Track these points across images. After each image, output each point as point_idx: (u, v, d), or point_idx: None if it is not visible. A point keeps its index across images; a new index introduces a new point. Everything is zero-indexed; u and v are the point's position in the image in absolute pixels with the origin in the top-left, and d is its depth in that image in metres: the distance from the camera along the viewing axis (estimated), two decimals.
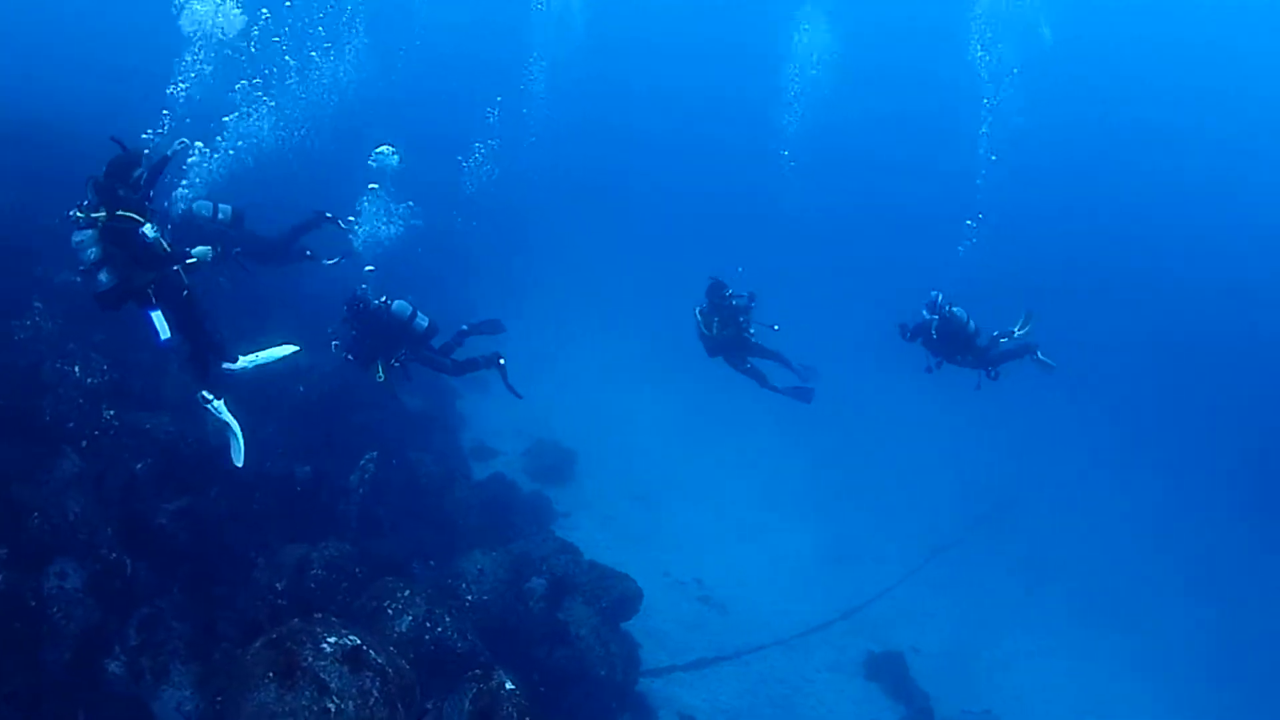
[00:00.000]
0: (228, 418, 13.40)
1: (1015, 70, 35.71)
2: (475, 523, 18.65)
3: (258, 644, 10.16)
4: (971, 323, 16.98)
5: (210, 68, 16.76)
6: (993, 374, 17.54)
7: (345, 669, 9.73)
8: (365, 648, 10.10)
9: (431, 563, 16.01)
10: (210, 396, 13.25)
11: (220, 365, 13.34)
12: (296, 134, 19.96)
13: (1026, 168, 43.94)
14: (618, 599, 17.53)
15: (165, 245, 11.74)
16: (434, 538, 17.17)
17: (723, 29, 61.87)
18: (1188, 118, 57.41)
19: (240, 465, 13.67)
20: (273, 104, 18.61)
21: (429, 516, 17.75)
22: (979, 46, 37.01)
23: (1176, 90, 56.84)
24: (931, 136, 52.46)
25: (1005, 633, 25.06)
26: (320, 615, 10.69)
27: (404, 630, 12.71)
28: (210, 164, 16.02)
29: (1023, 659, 24.35)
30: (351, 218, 17.49)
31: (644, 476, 27.57)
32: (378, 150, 18.61)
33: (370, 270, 16.86)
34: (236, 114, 17.63)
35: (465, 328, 17.56)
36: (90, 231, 11.17)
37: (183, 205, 15.32)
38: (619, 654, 16.52)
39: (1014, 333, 17.72)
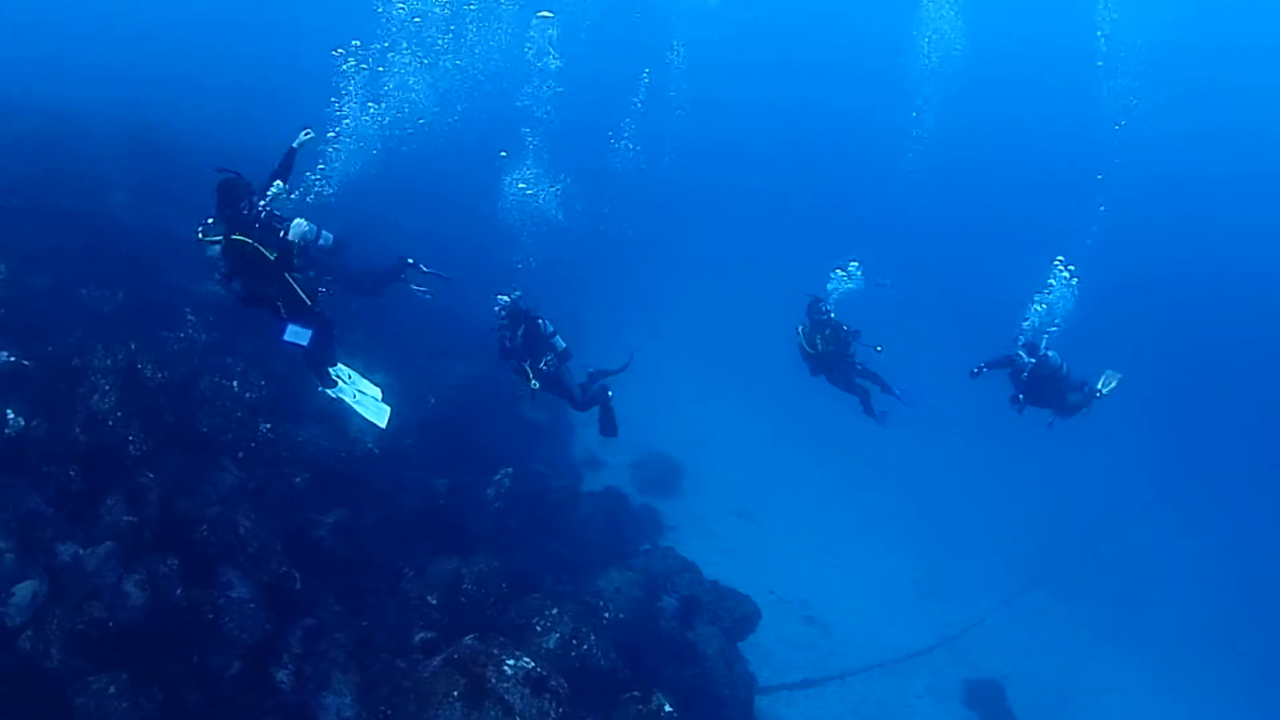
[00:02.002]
0: (351, 401, 13.77)
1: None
2: (596, 537, 18.90)
3: (436, 662, 10.40)
4: (1065, 366, 16.85)
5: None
6: (1051, 423, 17.39)
7: (527, 691, 9.99)
8: (543, 670, 10.31)
9: (565, 578, 16.13)
10: (324, 388, 13.68)
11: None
12: (454, 108, 20.20)
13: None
14: (739, 619, 17.81)
15: (269, 254, 11.98)
16: (561, 552, 17.34)
17: (848, 17, 60.94)
18: None
19: (384, 427, 14.39)
20: (427, 60, 18.87)
21: (556, 531, 17.92)
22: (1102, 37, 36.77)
23: None
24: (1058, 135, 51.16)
25: (1097, 665, 24.87)
26: (501, 639, 10.93)
27: (551, 647, 12.96)
28: (370, 123, 16.38)
29: (1114, 693, 24.13)
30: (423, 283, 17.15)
31: (747, 493, 27.69)
32: (540, 14, 18.63)
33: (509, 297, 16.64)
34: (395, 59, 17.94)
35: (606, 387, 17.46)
36: (216, 246, 11.67)
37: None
38: (740, 674, 16.69)
39: (1099, 390, 17.55)
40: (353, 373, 14.72)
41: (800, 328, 17.89)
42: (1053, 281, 17.44)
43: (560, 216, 19.77)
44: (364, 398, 14.40)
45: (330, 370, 14.12)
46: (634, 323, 33.55)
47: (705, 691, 15.67)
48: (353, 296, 17.27)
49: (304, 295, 12.53)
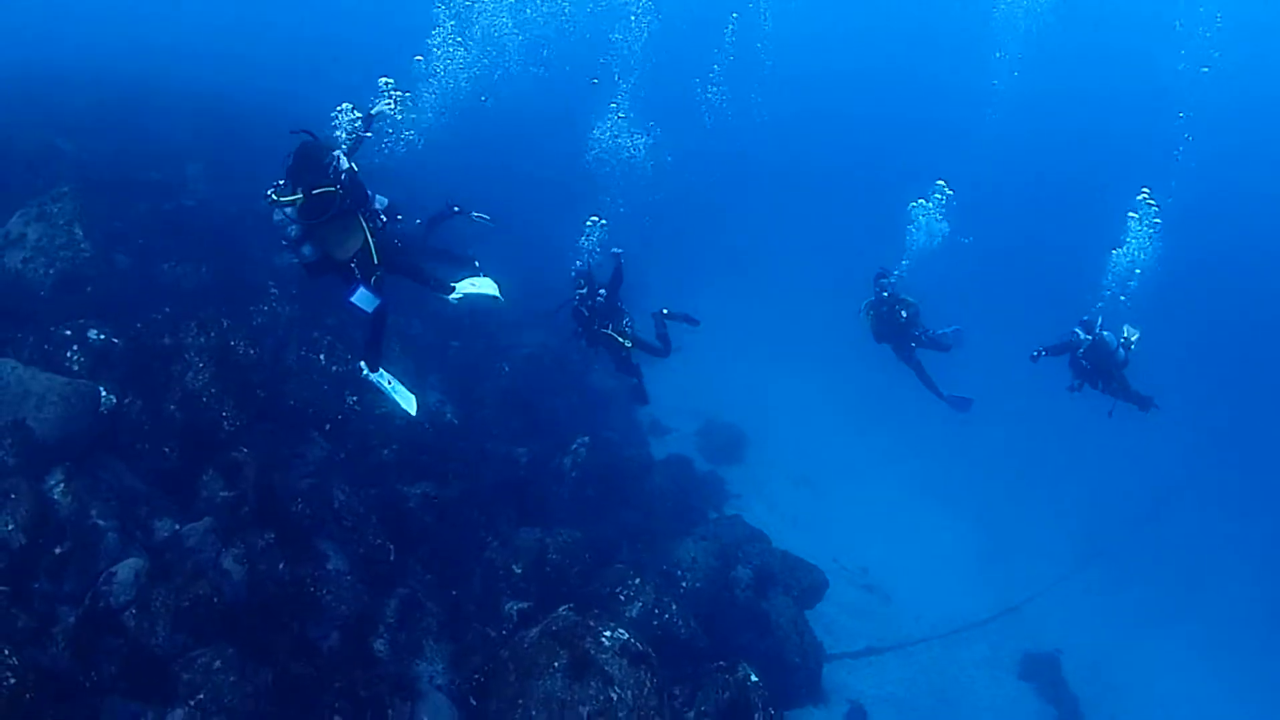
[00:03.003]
0: (386, 386, 13.83)
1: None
2: (668, 506, 19.07)
3: (534, 633, 10.61)
4: (1121, 351, 16.75)
5: None
6: (1111, 411, 17.31)
7: (625, 661, 10.18)
8: (639, 642, 10.51)
9: (640, 546, 16.30)
10: (366, 369, 13.68)
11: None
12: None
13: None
14: (807, 588, 18.01)
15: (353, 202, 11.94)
16: (635, 520, 17.51)
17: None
18: None
19: (414, 414, 14.11)
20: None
21: (630, 499, 18.09)
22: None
23: None
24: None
25: (1154, 641, 24.77)
26: (596, 611, 11.14)
27: (634, 615, 13.26)
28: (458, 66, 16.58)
29: (1171, 669, 24.05)
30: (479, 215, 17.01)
31: (809, 460, 27.82)
32: None
33: (617, 251, 16.77)
34: None
35: (666, 311, 17.64)
36: (290, 210, 11.58)
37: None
38: (811, 643, 16.86)
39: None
40: (393, 379, 14.78)
41: (864, 303, 18.10)
42: (1134, 217, 17.34)
43: (649, 167, 19.84)
44: (396, 384, 14.51)
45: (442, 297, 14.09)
46: (694, 288, 33.40)
47: (778, 659, 15.88)
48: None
49: (377, 253, 12.33)
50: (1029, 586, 25.28)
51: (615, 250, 16.34)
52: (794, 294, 38.25)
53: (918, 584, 23.62)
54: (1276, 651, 25.23)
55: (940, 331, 18.71)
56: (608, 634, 10.42)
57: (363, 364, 13.55)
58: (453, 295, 13.62)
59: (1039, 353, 16.59)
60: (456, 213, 16.17)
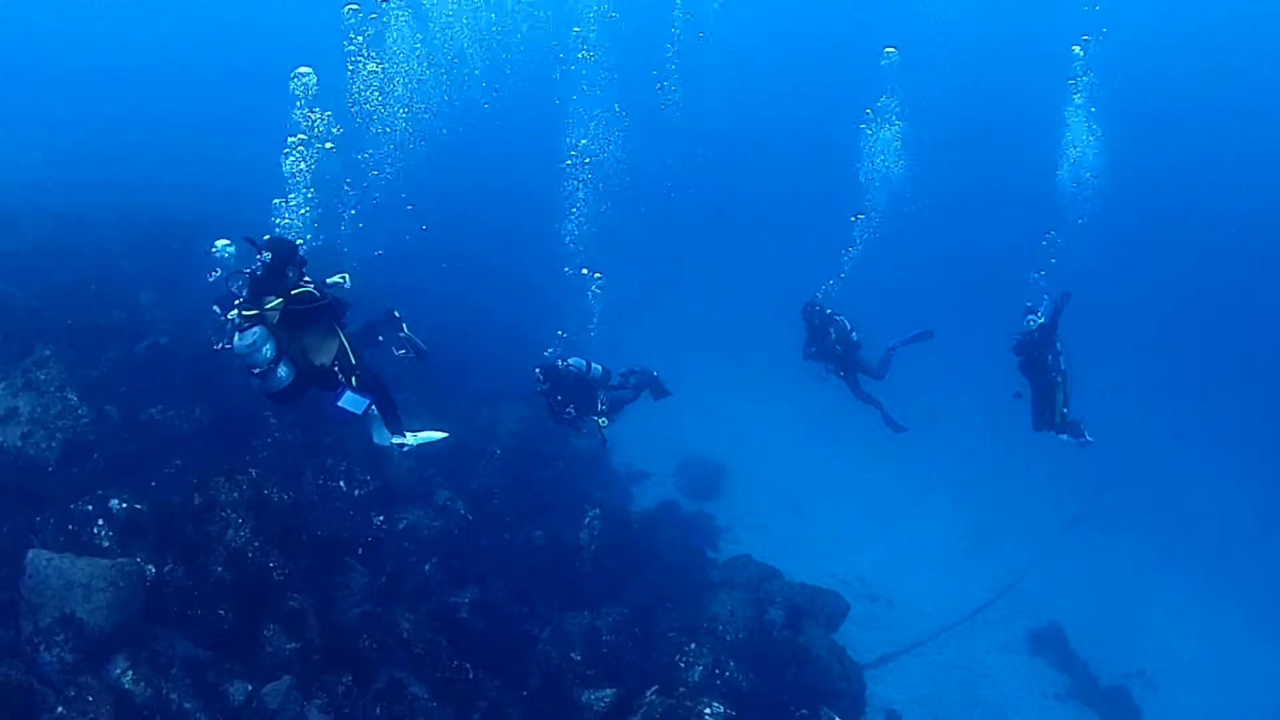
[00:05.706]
0: (425, 439, 13.66)
1: None
2: (680, 557, 19.24)
3: None
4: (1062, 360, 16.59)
5: None
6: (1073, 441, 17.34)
7: None
8: (730, 709, 10.71)
9: (669, 605, 16.34)
10: (404, 443, 13.42)
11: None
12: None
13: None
14: (831, 614, 18.29)
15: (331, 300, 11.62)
16: (655, 579, 17.66)
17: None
18: None
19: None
20: None
21: (644, 559, 18.21)
22: None
23: None
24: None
25: (1144, 596, 25.41)
26: (681, 689, 11.29)
27: (697, 679, 13.45)
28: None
29: (1163, 619, 24.71)
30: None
31: (786, 480, 28.17)
32: None
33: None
34: None
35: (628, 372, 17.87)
36: (258, 329, 10.94)
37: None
38: (851, 667, 17.09)
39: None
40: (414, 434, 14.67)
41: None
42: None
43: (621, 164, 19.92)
44: (424, 433, 14.39)
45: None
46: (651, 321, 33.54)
47: (823, 688, 16.11)
48: None
49: (353, 352, 12.05)
50: (1016, 565, 25.75)
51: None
52: (744, 316, 38.46)
53: (915, 583, 24.05)
54: (1261, 574, 25.98)
55: (872, 358, 19.15)
56: (708, 711, 10.68)
57: (392, 440, 13.24)
58: (406, 441, 13.49)
59: (1018, 392, 16.82)
60: (397, 318, 16.00)
